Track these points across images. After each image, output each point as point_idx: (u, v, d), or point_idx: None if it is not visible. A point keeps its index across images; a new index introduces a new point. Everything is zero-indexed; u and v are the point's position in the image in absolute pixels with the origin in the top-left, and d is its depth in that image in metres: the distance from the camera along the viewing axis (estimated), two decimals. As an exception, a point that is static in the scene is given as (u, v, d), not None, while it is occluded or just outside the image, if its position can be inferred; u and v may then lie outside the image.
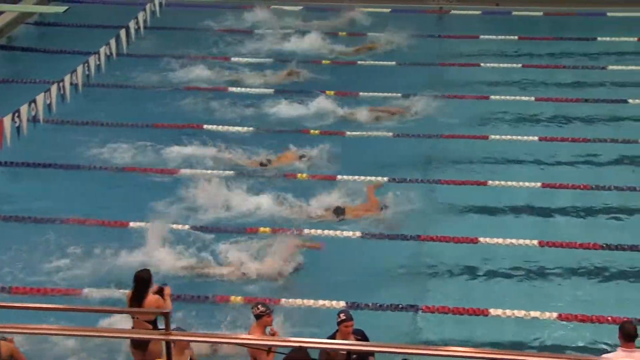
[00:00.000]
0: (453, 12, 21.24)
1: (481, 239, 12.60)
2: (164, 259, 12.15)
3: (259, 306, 9.75)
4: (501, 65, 18.20)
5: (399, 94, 16.81)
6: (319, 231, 12.90)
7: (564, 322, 11.08)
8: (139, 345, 9.75)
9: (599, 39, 19.29)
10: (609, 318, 10.92)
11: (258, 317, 9.65)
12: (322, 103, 16.49)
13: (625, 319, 9.34)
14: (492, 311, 11.24)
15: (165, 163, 14.71)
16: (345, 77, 17.86)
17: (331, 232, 12.93)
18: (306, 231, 12.85)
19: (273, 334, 9.57)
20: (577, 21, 20.39)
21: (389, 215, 13.19)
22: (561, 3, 20.94)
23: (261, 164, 14.69)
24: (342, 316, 9.52)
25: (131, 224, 13.02)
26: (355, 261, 12.41)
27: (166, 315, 6.60)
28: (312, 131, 15.72)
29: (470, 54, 18.79)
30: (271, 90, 17.30)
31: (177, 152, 14.94)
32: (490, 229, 12.85)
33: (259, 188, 13.88)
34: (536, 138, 15.30)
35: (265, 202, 13.51)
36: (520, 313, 11.20)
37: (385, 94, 16.90)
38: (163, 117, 16.18)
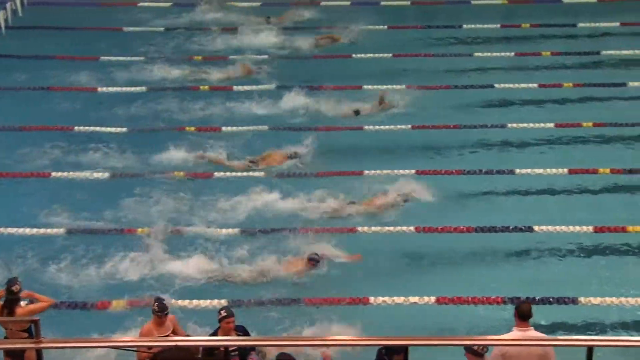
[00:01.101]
0: (323, 3, 21.35)
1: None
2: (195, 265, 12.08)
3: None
4: (375, 55, 18.43)
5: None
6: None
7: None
8: (14, 355, 9.46)
9: (464, 26, 19.79)
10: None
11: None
12: (296, 98, 16.48)
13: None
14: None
15: (158, 167, 14.47)
16: (311, 71, 17.86)
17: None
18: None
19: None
20: (444, 9, 20.88)
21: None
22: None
23: (251, 162, 14.57)
24: (223, 313, 9.51)
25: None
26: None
27: (36, 324, 6.48)
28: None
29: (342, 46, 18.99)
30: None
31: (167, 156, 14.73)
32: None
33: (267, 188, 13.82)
34: (409, 126, 15.62)
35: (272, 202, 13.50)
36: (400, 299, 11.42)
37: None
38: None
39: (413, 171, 14.14)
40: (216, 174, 14.38)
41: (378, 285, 11.75)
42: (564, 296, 11.33)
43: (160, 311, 9.61)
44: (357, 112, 16.04)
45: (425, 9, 20.95)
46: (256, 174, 14.34)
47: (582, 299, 11.27)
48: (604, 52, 18.32)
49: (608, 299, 11.26)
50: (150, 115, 16.14)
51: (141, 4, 20.96)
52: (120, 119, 15.95)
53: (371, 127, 15.68)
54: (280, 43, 19.06)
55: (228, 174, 14.37)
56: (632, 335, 10.35)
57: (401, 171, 14.12)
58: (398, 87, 16.96)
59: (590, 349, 6.17)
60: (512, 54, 18.44)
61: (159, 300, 9.79)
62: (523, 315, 8.76)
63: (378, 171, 14.22)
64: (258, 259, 12.25)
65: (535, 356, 8.56)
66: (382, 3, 21.21)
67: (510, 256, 12.32)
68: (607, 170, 14.06)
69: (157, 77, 17.58)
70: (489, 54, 18.43)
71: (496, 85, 16.98)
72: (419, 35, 19.37)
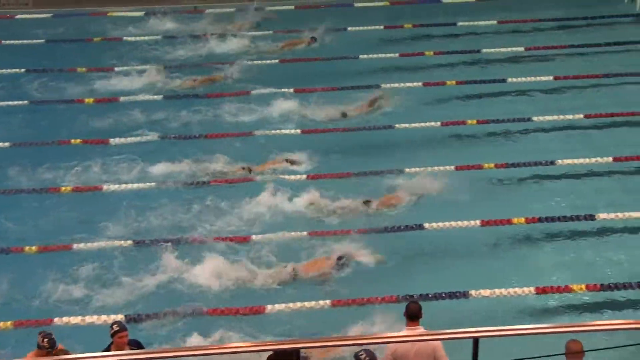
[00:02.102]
0: (208, 10, 21.23)
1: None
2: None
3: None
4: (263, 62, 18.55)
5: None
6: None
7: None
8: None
9: (349, 28, 20.00)
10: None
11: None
12: (284, 103, 16.47)
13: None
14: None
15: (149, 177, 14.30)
16: (286, 74, 17.76)
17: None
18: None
19: None
20: (330, 12, 21.08)
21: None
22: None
23: (243, 168, 14.51)
24: (115, 327, 9.35)
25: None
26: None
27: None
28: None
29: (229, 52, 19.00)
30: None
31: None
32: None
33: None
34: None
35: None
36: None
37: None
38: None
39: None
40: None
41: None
42: (456, 291, 11.54)
43: (51, 347, 9.26)
44: (344, 115, 16.14)
45: (310, 13, 21.07)
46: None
47: (473, 292, 11.50)
48: (484, 50, 18.82)
49: (497, 291, 11.51)
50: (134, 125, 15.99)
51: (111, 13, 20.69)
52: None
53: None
54: (247, 48, 19.05)
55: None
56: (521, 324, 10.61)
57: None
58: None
59: (476, 340, 6.32)
60: (397, 54, 18.73)
61: (49, 335, 9.39)
62: (411, 315, 8.92)
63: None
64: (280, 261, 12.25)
65: (425, 354, 8.74)
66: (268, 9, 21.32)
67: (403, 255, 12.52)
68: (492, 165, 14.42)
69: (130, 86, 17.39)
70: (374, 55, 18.69)
71: (382, 86, 17.21)
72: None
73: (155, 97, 17.08)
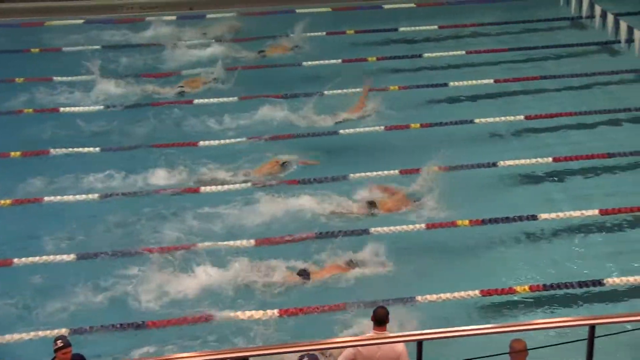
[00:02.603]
0: (148, 19, 21.10)
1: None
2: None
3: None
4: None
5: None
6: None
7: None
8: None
9: (291, 35, 20.03)
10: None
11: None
12: (267, 109, 16.46)
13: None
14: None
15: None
16: (269, 80, 17.83)
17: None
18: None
19: None
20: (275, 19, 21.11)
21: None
22: (253, 4, 21.57)
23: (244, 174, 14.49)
24: (60, 343, 9.21)
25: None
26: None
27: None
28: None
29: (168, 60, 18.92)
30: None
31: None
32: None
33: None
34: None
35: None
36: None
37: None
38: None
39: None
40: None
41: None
42: (405, 296, 11.59)
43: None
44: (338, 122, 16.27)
45: (256, 19, 21.09)
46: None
47: (419, 298, 11.57)
48: (425, 55, 18.98)
49: (443, 295, 11.58)
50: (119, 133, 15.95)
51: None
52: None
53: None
54: (225, 55, 18.99)
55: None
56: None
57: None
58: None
59: (420, 343, 6.36)
60: (340, 60, 18.79)
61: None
62: (379, 320, 9.03)
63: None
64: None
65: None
66: (208, 16, 21.23)
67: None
68: (435, 169, 14.54)
69: (106, 95, 17.34)
70: (317, 62, 18.73)
71: (325, 93, 17.25)
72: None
73: (97, 107, 16.92)
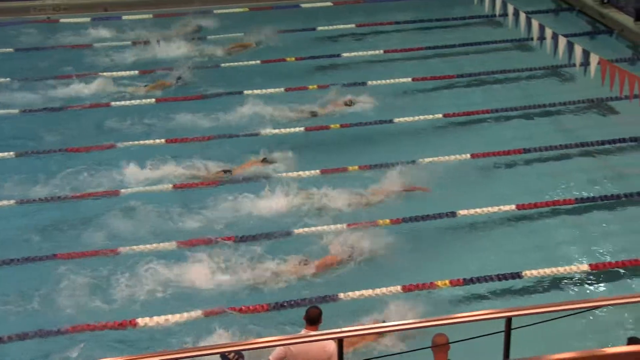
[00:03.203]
0: (62, 20, 20.73)
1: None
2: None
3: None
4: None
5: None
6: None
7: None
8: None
9: (208, 37, 19.88)
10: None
11: None
12: (251, 106, 16.48)
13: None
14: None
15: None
16: (238, 77, 17.89)
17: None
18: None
19: None
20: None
21: None
22: (167, 5, 21.49)
23: (224, 172, 14.39)
24: None
25: None
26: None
27: None
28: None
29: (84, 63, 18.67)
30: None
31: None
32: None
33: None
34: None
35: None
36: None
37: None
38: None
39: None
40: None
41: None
42: (326, 294, 11.63)
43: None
44: (314, 114, 16.39)
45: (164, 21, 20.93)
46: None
47: (341, 295, 11.62)
48: (344, 54, 19.08)
49: (365, 292, 11.64)
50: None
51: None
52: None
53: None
54: (190, 53, 18.97)
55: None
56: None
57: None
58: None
59: (340, 340, 6.42)
60: (259, 61, 18.75)
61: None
62: (311, 319, 9.15)
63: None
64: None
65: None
66: (124, 17, 20.97)
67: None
68: (356, 168, 14.63)
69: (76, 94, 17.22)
70: (235, 63, 18.67)
71: (245, 92, 17.19)
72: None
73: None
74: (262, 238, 12.77)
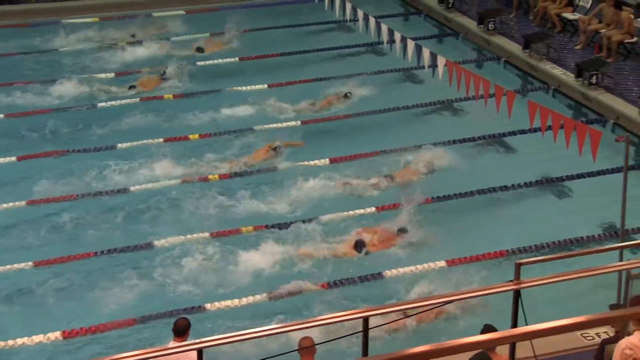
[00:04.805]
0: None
1: None
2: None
3: None
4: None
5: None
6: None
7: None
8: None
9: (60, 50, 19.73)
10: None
11: None
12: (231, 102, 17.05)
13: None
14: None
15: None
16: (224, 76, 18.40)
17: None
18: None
19: None
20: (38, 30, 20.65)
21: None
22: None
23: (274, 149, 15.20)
24: None
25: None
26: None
27: None
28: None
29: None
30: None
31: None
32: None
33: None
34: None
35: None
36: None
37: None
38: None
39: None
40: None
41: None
42: (192, 305, 11.68)
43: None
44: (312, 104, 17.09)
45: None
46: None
47: (207, 306, 11.69)
48: (199, 63, 19.14)
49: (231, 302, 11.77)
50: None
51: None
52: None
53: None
54: (161, 55, 19.19)
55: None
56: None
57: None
58: None
59: (199, 352, 6.46)
60: (112, 75, 18.63)
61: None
62: (178, 331, 9.22)
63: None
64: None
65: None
66: None
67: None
68: (216, 177, 14.71)
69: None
70: (88, 75, 18.54)
71: (100, 105, 17.10)
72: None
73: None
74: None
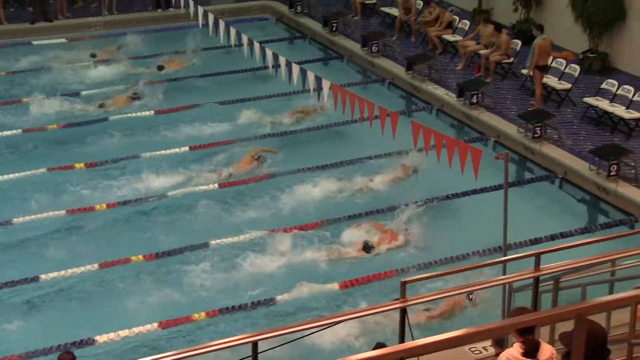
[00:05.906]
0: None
1: None
2: None
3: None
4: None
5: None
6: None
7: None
8: None
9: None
10: None
11: None
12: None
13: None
14: None
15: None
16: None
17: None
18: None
19: None
20: None
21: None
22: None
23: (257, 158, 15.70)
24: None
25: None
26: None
27: None
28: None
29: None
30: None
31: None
32: None
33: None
34: None
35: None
36: None
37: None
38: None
39: None
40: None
41: None
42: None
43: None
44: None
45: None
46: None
47: (98, 338, 11.51)
48: (84, 93, 18.90)
49: (121, 333, 11.60)
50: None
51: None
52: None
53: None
54: (126, 74, 19.34)
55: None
56: None
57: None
58: None
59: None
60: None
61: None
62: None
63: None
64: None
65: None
66: None
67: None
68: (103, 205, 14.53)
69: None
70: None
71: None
72: None
73: None
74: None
